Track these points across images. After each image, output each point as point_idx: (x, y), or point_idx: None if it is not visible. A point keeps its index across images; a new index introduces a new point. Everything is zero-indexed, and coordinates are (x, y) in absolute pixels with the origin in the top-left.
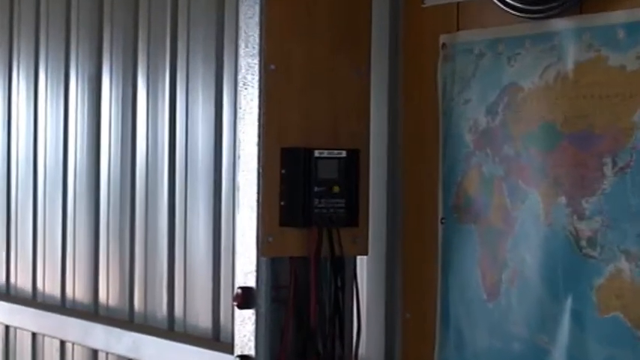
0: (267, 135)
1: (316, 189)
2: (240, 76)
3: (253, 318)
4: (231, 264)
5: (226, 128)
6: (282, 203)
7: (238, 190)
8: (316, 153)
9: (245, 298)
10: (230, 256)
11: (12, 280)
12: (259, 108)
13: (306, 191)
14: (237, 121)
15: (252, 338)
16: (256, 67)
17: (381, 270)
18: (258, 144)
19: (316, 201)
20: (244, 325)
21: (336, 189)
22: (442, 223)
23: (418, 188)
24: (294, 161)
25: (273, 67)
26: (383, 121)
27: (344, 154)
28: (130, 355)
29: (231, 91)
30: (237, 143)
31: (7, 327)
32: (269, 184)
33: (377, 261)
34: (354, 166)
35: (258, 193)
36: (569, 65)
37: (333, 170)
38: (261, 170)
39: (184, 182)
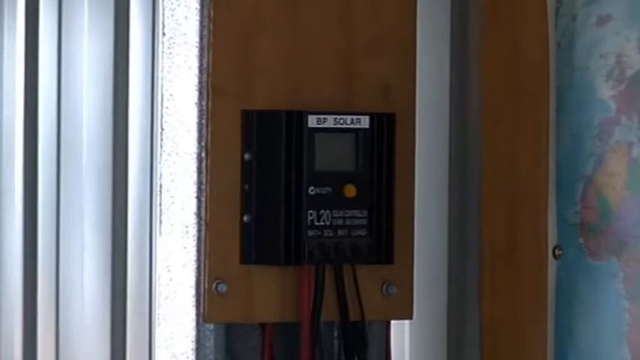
0: (217, 87)
1: (312, 190)
2: None
3: None
4: (148, 335)
5: (136, 73)
6: (246, 219)
7: (160, 192)
8: (311, 120)
9: None
10: (145, 321)
11: None
12: (201, 34)
13: (290, 195)
14: (157, 58)
15: None
16: None
17: (437, 346)
18: (200, 103)
19: (311, 215)
20: None
21: (351, 191)
22: (556, 256)
23: (508, 190)
24: (270, 136)
25: None
26: (442, 60)
27: (365, 122)
28: None
29: (146, 1)
30: (156, 101)
31: None
32: (220, 182)
33: (430, 330)
34: (385, 147)
35: (200, 198)
36: None
37: (346, 154)
38: (205, 154)
39: (55, 178)
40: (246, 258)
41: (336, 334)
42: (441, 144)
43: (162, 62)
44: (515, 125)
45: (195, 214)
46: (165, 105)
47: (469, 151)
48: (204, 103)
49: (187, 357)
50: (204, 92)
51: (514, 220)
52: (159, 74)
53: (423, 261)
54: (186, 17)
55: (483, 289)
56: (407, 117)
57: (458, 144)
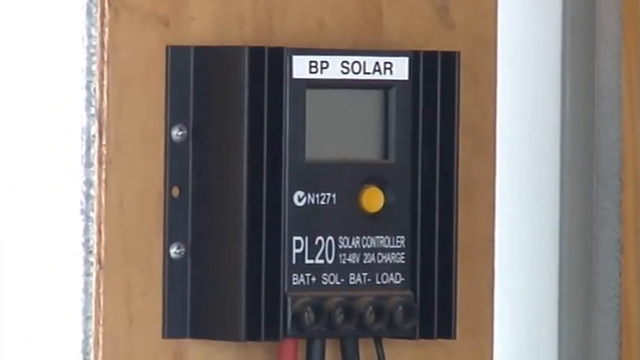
0: (123, 2)
1: (300, 199)
2: None
3: None
4: None
5: None
6: (175, 253)
7: None
8: (299, 65)
9: None
10: None
11: None
12: None
13: (258, 208)
14: None
15: None
16: None
17: None
18: (88, 33)
19: (299, 246)
20: None
21: (374, 199)
22: None
23: None
24: (219, 96)
25: None
26: None
27: (402, 69)
28: None
29: None
30: None
31: None
32: (127, 184)
33: None
34: (440, 117)
35: (88, 214)
36: None
37: (365, 131)
38: (97, 132)
39: None
40: (174, 327)
41: None
42: (548, 116)
43: None
44: None
45: (81, 244)
46: None
47: (600, 133)
48: (94, 31)
49: None
50: (97, 11)
51: None
52: None
53: (512, 333)
54: None
55: None
56: (481, 61)
57: (576, 121)
